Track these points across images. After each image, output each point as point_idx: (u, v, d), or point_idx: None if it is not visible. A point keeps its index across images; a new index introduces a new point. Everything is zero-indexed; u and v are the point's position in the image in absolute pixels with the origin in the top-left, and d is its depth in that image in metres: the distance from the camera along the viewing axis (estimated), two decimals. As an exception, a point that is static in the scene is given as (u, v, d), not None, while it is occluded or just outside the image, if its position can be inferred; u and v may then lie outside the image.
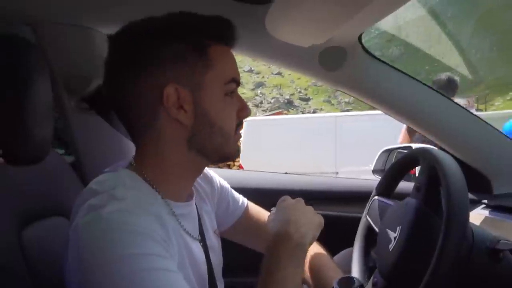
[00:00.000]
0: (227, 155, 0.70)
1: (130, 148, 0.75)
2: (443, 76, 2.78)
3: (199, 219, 0.77)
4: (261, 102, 34.44)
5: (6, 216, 0.68)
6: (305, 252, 0.68)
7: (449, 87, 2.66)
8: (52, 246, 0.73)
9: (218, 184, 0.90)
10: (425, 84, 1.13)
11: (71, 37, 1.10)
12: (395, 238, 0.82)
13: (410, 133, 2.81)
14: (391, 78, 1.10)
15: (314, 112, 33.71)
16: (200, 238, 0.74)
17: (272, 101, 34.47)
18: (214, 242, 0.80)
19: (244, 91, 35.56)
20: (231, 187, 1.13)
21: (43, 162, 0.80)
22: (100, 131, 1.18)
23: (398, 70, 1.11)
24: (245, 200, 0.97)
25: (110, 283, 0.51)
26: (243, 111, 0.71)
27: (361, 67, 1.08)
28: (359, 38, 1.02)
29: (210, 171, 0.90)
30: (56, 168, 0.89)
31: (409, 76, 1.11)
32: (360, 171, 4.40)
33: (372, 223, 0.96)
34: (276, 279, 0.63)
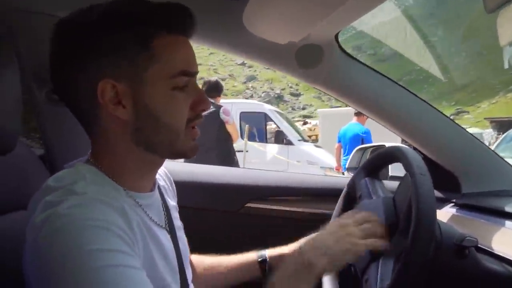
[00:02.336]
0: (179, 152, 0.67)
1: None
2: (213, 79, 3.72)
3: (167, 210, 0.76)
4: (252, 96, 34.07)
5: None
6: (312, 275, 0.65)
7: (216, 89, 3.54)
8: (16, 241, 0.71)
9: (175, 191, 0.89)
10: (398, 84, 1.15)
11: (41, 26, 1.06)
12: None
13: None
14: (366, 77, 1.12)
15: (303, 108, 33.86)
16: (168, 227, 0.73)
17: (263, 95, 34.19)
18: (181, 231, 0.80)
19: (235, 84, 35.11)
20: (203, 182, 1.15)
21: (9, 154, 0.77)
22: (71, 124, 1.14)
23: (373, 69, 1.12)
24: None
25: (71, 279, 0.49)
26: (199, 105, 0.66)
27: (337, 66, 1.09)
28: (336, 36, 1.03)
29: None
30: (24, 161, 0.86)
31: (384, 75, 1.13)
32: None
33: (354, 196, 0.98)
34: None
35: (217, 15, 0.97)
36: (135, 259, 0.55)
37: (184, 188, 0.93)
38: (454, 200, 1.18)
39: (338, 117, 8.93)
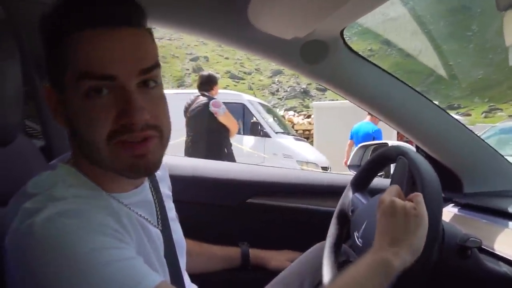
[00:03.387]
0: (118, 171, 0.58)
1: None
2: (205, 73, 3.93)
3: (160, 203, 0.73)
4: (277, 90, 33.26)
5: None
6: (389, 273, 0.62)
7: (208, 82, 3.69)
8: None
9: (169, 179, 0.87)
10: (403, 82, 1.14)
11: (44, 16, 1.05)
12: (359, 233, 0.85)
13: None
14: (371, 74, 1.11)
15: (329, 102, 33.25)
16: (160, 222, 0.70)
17: (289, 89, 33.22)
18: (176, 223, 0.79)
19: (261, 78, 34.42)
20: (205, 177, 1.24)
21: (9, 145, 0.77)
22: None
23: (378, 67, 1.11)
24: None
25: (68, 284, 0.48)
26: (121, 117, 0.54)
27: (342, 62, 1.08)
28: (341, 33, 1.02)
29: None
30: (24, 153, 0.86)
31: (388, 73, 1.12)
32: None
33: (346, 213, 0.98)
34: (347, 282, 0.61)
35: (222, 9, 0.96)
36: (129, 250, 0.54)
37: (186, 183, 0.93)
38: (455, 200, 1.18)
39: (334, 111, 8.62)
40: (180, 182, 0.90)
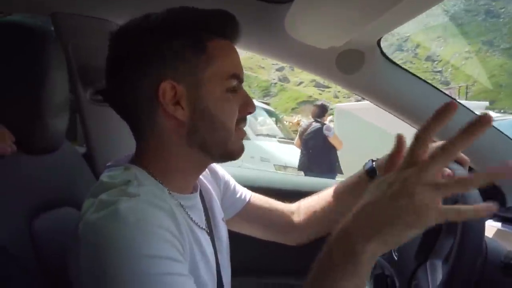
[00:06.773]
0: (230, 152, 0.69)
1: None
2: (319, 102, 5.30)
3: (206, 211, 0.78)
4: (364, 98, 32.90)
5: (17, 205, 0.69)
6: (361, 265, 0.47)
7: (322, 111, 4.93)
8: (61, 236, 0.73)
9: (221, 173, 0.91)
10: (441, 91, 1.11)
11: (88, 28, 1.10)
12: None
13: None
14: (408, 84, 1.09)
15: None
16: (207, 229, 0.74)
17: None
18: (222, 231, 0.81)
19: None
20: (254, 187, 1.15)
21: (55, 152, 0.80)
22: (112, 124, 1.18)
23: (416, 76, 1.09)
24: (249, 191, 0.97)
25: (121, 282, 0.50)
26: (246, 107, 0.69)
27: (378, 72, 1.06)
28: (378, 42, 1.01)
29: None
30: (68, 159, 0.89)
31: (426, 82, 1.10)
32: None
33: None
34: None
35: (259, 19, 0.97)
36: (184, 266, 0.56)
37: None
38: (498, 214, 1.13)
39: (358, 113, 7.90)
40: None
